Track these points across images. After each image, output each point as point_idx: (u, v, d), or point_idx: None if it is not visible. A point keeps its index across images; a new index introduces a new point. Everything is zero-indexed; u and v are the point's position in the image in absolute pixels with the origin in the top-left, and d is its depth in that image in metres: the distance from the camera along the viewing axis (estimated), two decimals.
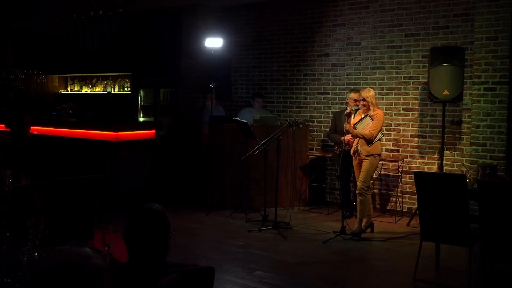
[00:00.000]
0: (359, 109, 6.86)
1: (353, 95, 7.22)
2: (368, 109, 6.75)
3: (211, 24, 9.72)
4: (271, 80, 9.63)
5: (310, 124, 8.93)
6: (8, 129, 9.41)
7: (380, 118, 6.74)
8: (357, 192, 6.84)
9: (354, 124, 6.75)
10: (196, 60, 9.62)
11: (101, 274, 1.84)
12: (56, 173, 8.45)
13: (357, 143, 6.82)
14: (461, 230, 5.05)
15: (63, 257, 1.83)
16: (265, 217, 7.44)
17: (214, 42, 8.54)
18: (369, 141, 6.71)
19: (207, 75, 9.08)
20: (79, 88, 12.33)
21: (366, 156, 6.75)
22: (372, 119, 6.68)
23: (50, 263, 1.82)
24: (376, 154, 6.80)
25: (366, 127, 6.69)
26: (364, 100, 6.72)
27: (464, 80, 7.27)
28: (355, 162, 6.96)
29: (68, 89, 12.56)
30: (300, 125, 7.56)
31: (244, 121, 7.86)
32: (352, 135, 6.84)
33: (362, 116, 6.77)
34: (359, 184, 6.81)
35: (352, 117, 6.84)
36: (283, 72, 9.49)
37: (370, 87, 8.27)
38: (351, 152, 6.92)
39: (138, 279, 2.38)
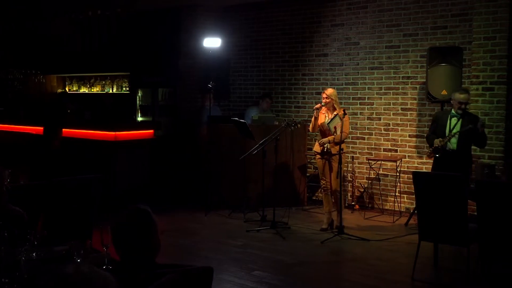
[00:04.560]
0: (322, 106, 7.06)
1: (458, 96, 6.32)
2: (333, 107, 6.99)
3: (209, 24, 9.71)
4: (270, 80, 9.63)
5: (308, 124, 8.91)
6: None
7: (347, 116, 7.04)
8: (334, 190, 7.01)
9: (328, 123, 6.93)
10: (194, 60, 9.61)
11: None
12: (54, 172, 8.43)
13: (327, 143, 6.99)
14: (459, 230, 5.05)
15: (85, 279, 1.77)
16: (264, 217, 7.45)
17: (212, 42, 8.55)
18: (341, 141, 6.95)
19: (206, 75, 9.08)
20: (77, 88, 12.31)
21: (335, 154, 6.92)
22: (341, 119, 6.84)
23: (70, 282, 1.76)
24: (344, 152, 7.08)
25: (337, 125, 6.88)
26: (327, 97, 6.98)
27: (462, 80, 7.27)
28: (321, 161, 7.15)
29: (67, 89, 12.55)
30: (299, 125, 7.57)
31: (243, 121, 7.87)
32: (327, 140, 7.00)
33: (326, 114, 7.02)
34: (335, 183, 7.01)
35: (326, 119, 7.00)
36: (281, 72, 9.49)
37: (369, 87, 8.36)
38: (325, 150, 7.05)
39: (130, 280, 2.38)
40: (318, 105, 7.04)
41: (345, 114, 6.81)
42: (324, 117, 7.03)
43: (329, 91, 7.05)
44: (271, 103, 9.15)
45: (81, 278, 1.74)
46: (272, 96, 9.29)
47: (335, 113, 6.93)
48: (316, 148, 7.18)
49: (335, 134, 6.89)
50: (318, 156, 7.15)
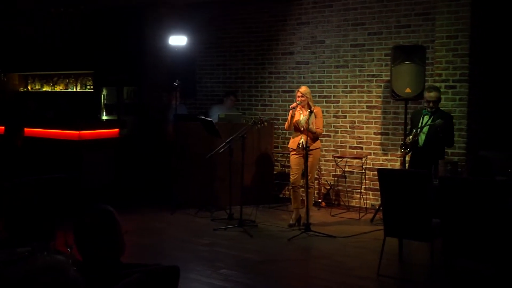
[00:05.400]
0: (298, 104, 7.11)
1: (427, 94, 6.56)
2: (308, 105, 7.04)
3: (175, 21, 9.63)
4: (236, 78, 9.62)
5: (275, 122, 8.96)
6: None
7: (321, 114, 7.22)
8: (309, 184, 7.04)
9: (303, 120, 7.00)
10: (160, 58, 9.53)
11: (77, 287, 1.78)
12: (17, 173, 8.26)
13: (301, 139, 7.02)
14: (422, 225, 5.13)
15: (37, 268, 1.76)
16: (231, 215, 7.44)
17: (178, 40, 8.49)
18: (317, 137, 7.11)
19: (172, 73, 9.02)
20: (40, 87, 12.07)
21: (310, 150, 6.96)
22: (316, 116, 7.00)
23: (22, 274, 1.75)
24: (318, 148, 7.26)
25: (313, 122, 6.99)
26: (302, 96, 7.03)
27: (426, 78, 7.38)
28: (294, 157, 7.17)
29: (29, 87, 12.29)
30: (265, 123, 7.59)
31: (209, 119, 7.85)
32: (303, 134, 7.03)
33: (301, 112, 7.08)
34: (309, 177, 7.07)
35: (302, 116, 7.05)
36: (247, 70, 9.49)
37: (334, 85, 8.43)
38: (298, 147, 7.10)
39: (95, 280, 2.34)
40: (294, 104, 7.05)
41: (311, 112, 6.87)
42: (299, 114, 7.06)
43: (303, 89, 7.10)
44: (236, 100, 9.14)
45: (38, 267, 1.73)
46: (237, 94, 9.28)
47: (309, 110, 6.98)
48: (291, 144, 7.20)
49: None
50: (293, 152, 7.17)
